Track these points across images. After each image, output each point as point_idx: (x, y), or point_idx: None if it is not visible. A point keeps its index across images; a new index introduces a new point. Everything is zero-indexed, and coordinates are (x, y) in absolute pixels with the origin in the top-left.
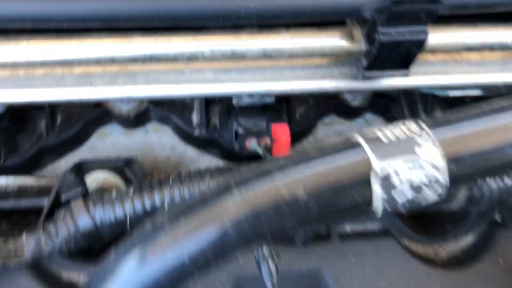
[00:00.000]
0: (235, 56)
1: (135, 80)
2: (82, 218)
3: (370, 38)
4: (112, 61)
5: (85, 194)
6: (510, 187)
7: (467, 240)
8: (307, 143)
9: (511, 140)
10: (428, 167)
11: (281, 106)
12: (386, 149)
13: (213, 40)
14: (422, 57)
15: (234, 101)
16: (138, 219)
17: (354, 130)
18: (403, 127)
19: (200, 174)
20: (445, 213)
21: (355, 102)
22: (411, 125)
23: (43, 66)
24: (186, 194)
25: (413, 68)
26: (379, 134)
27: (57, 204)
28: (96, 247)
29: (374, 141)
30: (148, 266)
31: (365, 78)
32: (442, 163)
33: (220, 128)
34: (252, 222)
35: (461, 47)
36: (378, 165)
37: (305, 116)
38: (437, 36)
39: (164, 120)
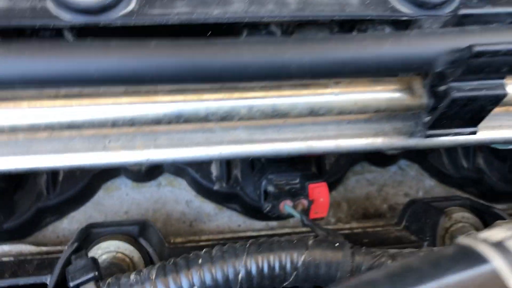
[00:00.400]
0: (276, 115)
1: (156, 142)
2: None
3: (435, 93)
4: (131, 123)
5: (98, 278)
6: None
7: None
8: (337, 193)
9: None
10: None
11: (307, 157)
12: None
13: (251, 96)
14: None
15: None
16: None
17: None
18: None
19: (235, 251)
20: None
21: (392, 150)
22: None
23: (48, 129)
24: (219, 276)
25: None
26: (508, 240)
27: (63, 284)
28: None
29: (505, 251)
30: None
31: (427, 136)
32: None
33: (242, 181)
34: None
35: None
36: None
37: (335, 165)
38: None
39: (179, 173)
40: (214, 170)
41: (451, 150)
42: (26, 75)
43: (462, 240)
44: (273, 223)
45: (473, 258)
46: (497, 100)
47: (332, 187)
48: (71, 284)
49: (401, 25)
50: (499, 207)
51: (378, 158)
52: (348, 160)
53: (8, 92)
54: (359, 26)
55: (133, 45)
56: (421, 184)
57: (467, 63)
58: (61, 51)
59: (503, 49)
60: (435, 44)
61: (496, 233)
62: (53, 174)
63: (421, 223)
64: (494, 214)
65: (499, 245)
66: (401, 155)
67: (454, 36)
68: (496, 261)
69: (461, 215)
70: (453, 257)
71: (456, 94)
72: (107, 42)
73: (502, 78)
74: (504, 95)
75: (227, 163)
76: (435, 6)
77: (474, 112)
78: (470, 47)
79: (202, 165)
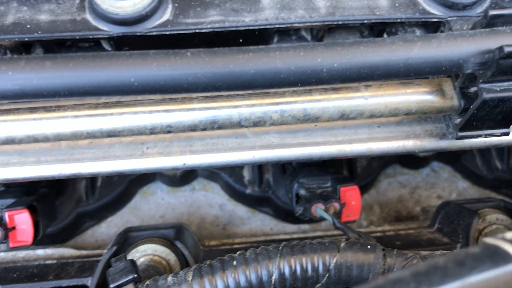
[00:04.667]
0: (307, 119)
1: (192, 148)
2: None
3: (467, 94)
4: (168, 129)
5: (138, 280)
6: None
7: None
8: (369, 196)
9: None
10: None
11: (338, 160)
12: None
13: (282, 102)
14: None
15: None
16: None
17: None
18: None
19: (269, 253)
20: None
21: (425, 153)
22: None
23: (89, 136)
24: (254, 278)
25: None
26: None
27: (103, 286)
28: None
29: None
30: None
31: (458, 138)
32: None
33: (274, 185)
34: None
35: None
36: None
37: (367, 168)
38: None
39: (212, 177)
40: (247, 174)
41: (484, 151)
42: (71, 87)
43: (489, 240)
44: (305, 226)
45: (499, 257)
46: None
47: (364, 190)
48: (112, 285)
49: (431, 26)
50: None
51: (410, 160)
52: (380, 163)
53: (52, 102)
54: (389, 28)
55: (171, 55)
56: (454, 186)
57: (498, 64)
58: (104, 63)
59: None
60: (464, 46)
61: None
62: (91, 180)
63: (454, 225)
64: None
65: None
66: (433, 157)
67: (483, 38)
68: None
69: (495, 217)
70: (479, 256)
71: (487, 95)
72: (146, 53)
73: None
74: None
75: (259, 168)
76: (465, 7)
77: (506, 113)
78: (500, 48)
79: (234, 170)
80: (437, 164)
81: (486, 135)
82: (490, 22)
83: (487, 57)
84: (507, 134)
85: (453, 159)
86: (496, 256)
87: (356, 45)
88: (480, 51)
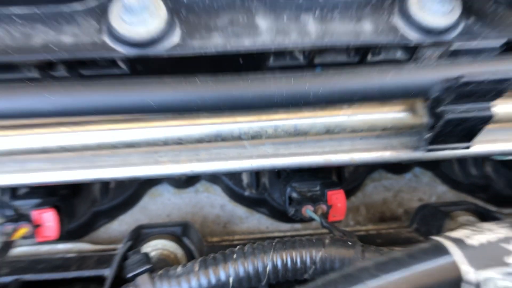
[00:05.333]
0: (298, 133)
1: (198, 157)
2: None
3: (434, 114)
4: (178, 141)
5: (152, 270)
6: None
7: None
8: (356, 199)
9: None
10: None
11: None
12: (477, 256)
13: (276, 118)
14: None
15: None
16: None
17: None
18: (493, 230)
19: (264, 248)
20: None
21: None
22: (500, 229)
23: (110, 147)
24: (251, 269)
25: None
26: (469, 239)
27: (119, 276)
28: None
29: (465, 247)
30: None
31: (428, 151)
32: None
33: (270, 188)
34: None
35: None
36: (472, 275)
37: (354, 173)
38: (499, 107)
39: (214, 181)
40: (245, 178)
41: (460, 159)
42: (102, 107)
43: (436, 237)
44: (297, 225)
45: (439, 251)
46: (485, 120)
47: (351, 193)
48: (129, 275)
49: (411, 49)
50: (505, 211)
51: (394, 166)
52: (366, 169)
53: (78, 118)
54: (373, 50)
55: (183, 82)
56: (434, 190)
57: (457, 90)
58: (128, 88)
59: (487, 79)
60: (430, 75)
61: (461, 232)
62: (105, 182)
63: (429, 226)
64: (495, 218)
65: (459, 241)
66: (415, 164)
67: (445, 68)
68: (456, 254)
69: (466, 219)
70: (425, 250)
71: (450, 116)
72: (162, 80)
73: (489, 101)
74: (491, 117)
75: (256, 173)
76: (439, 33)
77: (467, 130)
78: (458, 78)
79: (234, 174)
80: (418, 170)
81: (452, 148)
82: (453, 53)
83: (449, 84)
84: (468, 147)
85: (433, 165)
86: (437, 250)
87: (337, 74)
88: (443, 79)
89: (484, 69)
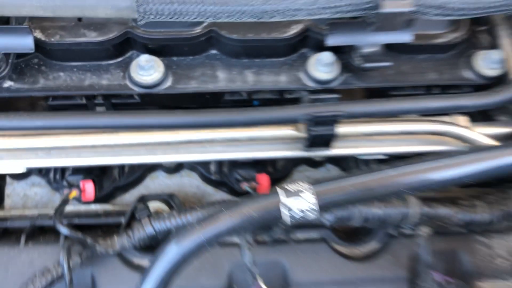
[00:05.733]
0: (234, 140)
1: (179, 152)
2: (148, 228)
3: (308, 131)
4: (168, 143)
5: (149, 215)
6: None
7: (372, 244)
8: None
9: (345, 191)
10: (307, 202)
11: (266, 161)
12: (289, 194)
13: (214, 132)
14: (342, 137)
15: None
16: (179, 228)
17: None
18: (298, 184)
19: (213, 205)
20: (360, 228)
21: (318, 158)
22: (303, 183)
23: (128, 146)
24: (203, 216)
25: (337, 143)
26: (287, 187)
27: (132, 220)
28: (155, 244)
29: (285, 190)
30: (180, 247)
31: (306, 151)
32: (314, 200)
33: (229, 174)
34: (229, 226)
35: (361, 133)
36: (285, 201)
37: (284, 166)
38: (345, 128)
39: (193, 169)
40: (212, 167)
41: (353, 158)
42: (123, 124)
43: (277, 187)
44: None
45: (273, 193)
46: (332, 136)
47: (282, 179)
48: (137, 216)
49: (311, 91)
50: None
51: (312, 163)
52: (293, 163)
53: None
54: (288, 93)
55: (172, 113)
56: None
57: (313, 119)
58: (143, 116)
59: (328, 114)
60: (296, 111)
61: (292, 185)
62: (122, 167)
63: None
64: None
65: (284, 188)
66: (326, 161)
67: (308, 107)
68: (280, 192)
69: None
70: (263, 195)
71: (312, 133)
72: (161, 111)
73: (333, 125)
74: (333, 134)
75: (220, 164)
76: (326, 83)
77: (324, 141)
78: (310, 114)
79: (206, 165)
80: (329, 165)
81: (318, 150)
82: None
83: (308, 116)
84: (328, 150)
85: (339, 162)
86: (272, 193)
87: (256, 111)
88: (305, 113)
89: (327, 109)
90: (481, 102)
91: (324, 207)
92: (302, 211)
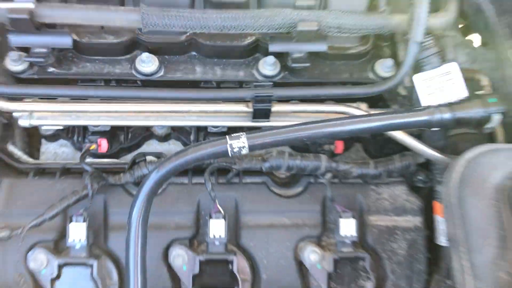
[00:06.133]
0: (201, 112)
1: (167, 119)
2: (143, 169)
3: (253, 106)
4: (159, 112)
5: (145, 161)
6: (299, 164)
7: (297, 188)
8: None
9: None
10: (242, 143)
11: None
12: (233, 139)
13: (191, 105)
14: (277, 113)
15: (209, 130)
16: None
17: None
18: (240, 134)
19: None
20: (290, 178)
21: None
22: (242, 133)
23: (132, 112)
24: None
25: (274, 118)
26: (233, 135)
27: (133, 164)
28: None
29: (232, 137)
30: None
31: (253, 122)
32: (246, 144)
33: (204, 139)
34: (194, 157)
35: (290, 111)
36: (229, 142)
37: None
38: (279, 107)
39: (178, 138)
40: (192, 136)
41: None
42: (129, 96)
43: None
44: None
45: (224, 138)
46: (269, 111)
47: None
48: (137, 161)
49: (260, 84)
50: None
51: None
52: None
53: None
54: (245, 83)
55: (162, 90)
56: None
57: (255, 98)
58: (141, 91)
59: (267, 95)
60: (246, 92)
61: (236, 134)
62: (126, 134)
63: None
64: None
65: (232, 136)
66: None
67: (251, 90)
68: (228, 139)
69: None
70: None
71: (256, 107)
72: (159, 88)
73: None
74: (270, 110)
75: (197, 134)
76: (270, 77)
77: (263, 113)
78: (254, 94)
79: (187, 134)
80: None
81: (256, 121)
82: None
83: (254, 96)
84: (268, 121)
85: None
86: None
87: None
88: (252, 94)
89: (265, 91)
90: (366, 91)
91: (252, 146)
92: (239, 148)
